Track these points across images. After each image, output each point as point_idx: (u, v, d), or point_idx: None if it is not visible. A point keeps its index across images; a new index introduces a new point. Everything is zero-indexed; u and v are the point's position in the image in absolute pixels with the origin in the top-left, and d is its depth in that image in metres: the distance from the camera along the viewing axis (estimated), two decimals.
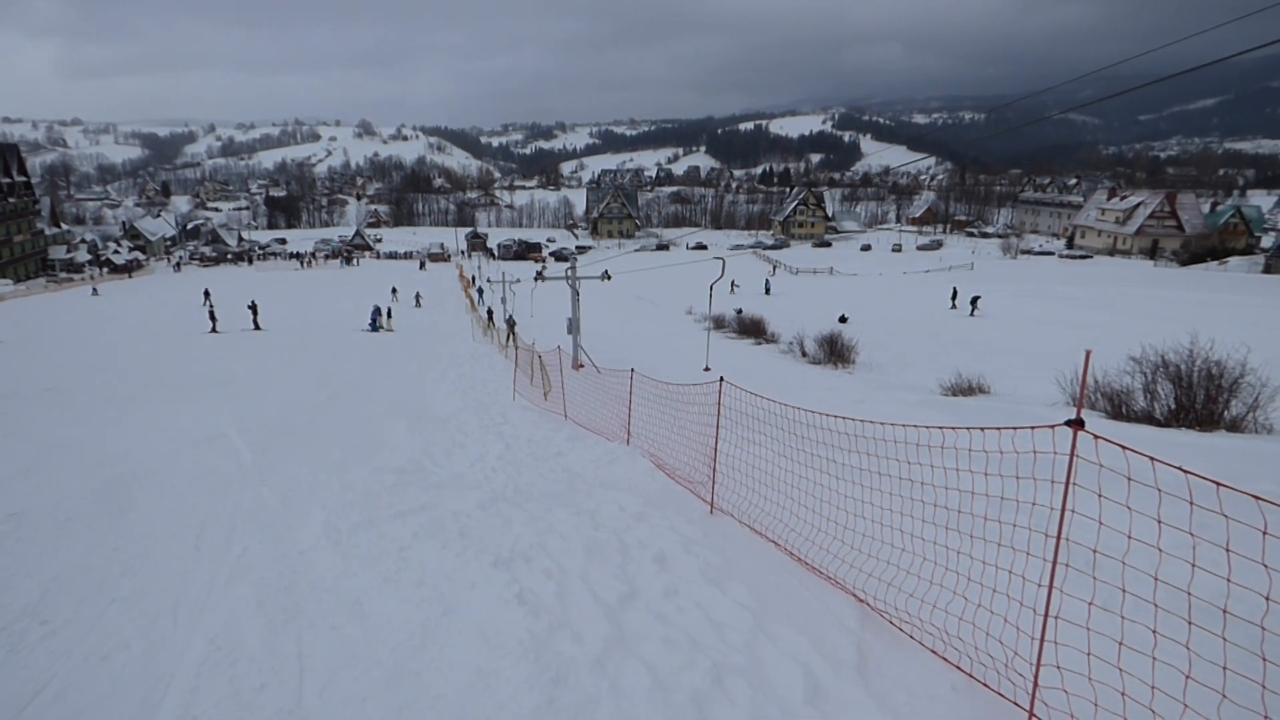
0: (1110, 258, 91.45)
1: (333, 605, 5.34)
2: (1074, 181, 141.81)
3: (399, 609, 5.21)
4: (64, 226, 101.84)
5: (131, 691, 4.29)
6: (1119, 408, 14.35)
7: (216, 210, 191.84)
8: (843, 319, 41.90)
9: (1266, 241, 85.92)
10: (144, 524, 7.33)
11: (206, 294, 48.73)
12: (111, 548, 6.62)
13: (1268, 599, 2.64)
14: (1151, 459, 2.89)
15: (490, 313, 37.77)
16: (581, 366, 13.43)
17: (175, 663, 4.58)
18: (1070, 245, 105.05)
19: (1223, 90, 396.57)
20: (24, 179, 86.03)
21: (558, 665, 4.34)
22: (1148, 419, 13.52)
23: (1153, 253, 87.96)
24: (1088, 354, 3.20)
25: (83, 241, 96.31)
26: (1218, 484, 2.65)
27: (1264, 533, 2.60)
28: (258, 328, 34.12)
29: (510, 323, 31.82)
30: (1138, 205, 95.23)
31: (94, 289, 63.05)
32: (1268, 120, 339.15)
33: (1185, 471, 2.71)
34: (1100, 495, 3.22)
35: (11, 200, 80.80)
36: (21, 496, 8.30)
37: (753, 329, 35.65)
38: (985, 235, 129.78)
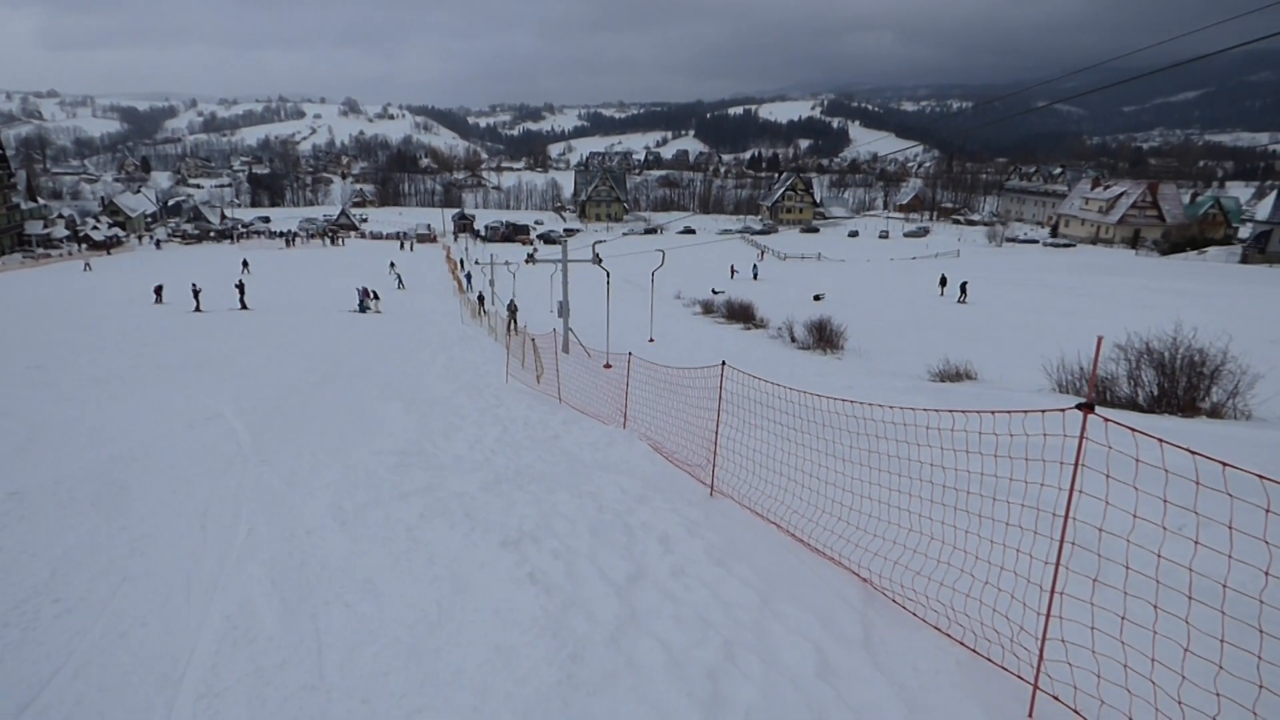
0: (1093, 246, 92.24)
1: (345, 584, 5.41)
2: (1059, 171, 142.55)
3: (412, 587, 5.29)
4: (41, 201, 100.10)
5: (152, 668, 4.35)
6: (1103, 394, 14.61)
7: (198, 187, 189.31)
8: (817, 297, 42.51)
9: (1244, 232, 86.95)
10: (147, 503, 7.36)
11: (245, 264, 54.41)
12: (118, 527, 6.65)
13: (1267, 573, 2.78)
14: (1160, 440, 3.02)
15: (481, 297, 37.10)
16: (609, 368, 13.31)
17: (193, 640, 4.65)
18: (1054, 234, 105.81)
19: (1204, 84, 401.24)
20: None
21: (574, 642, 4.45)
22: (1131, 405, 13.78)
23: (1134, 242, 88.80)
24: (1099, 340, 3.33)
25: (60, 217, 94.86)
26: (1224, 464, 2.77)
27: (1267, 510, 2.73)
28: (244, 307, 33.86)
29: (511, 309, 30.37)
30: (1120, 195, 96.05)
31: (86, 264, 62.91)
32: (1246, 113, 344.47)
33: (1193, 453, 2.84)
34: (1108, 476, 3.35)
35: None
36: (20, 476, 8.27)
37: (741, 314, 35.76)
38: (971, 223, 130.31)
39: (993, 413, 4.05)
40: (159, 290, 35.80)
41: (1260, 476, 2.66)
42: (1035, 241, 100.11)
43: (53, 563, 5.82)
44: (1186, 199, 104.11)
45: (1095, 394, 14.55)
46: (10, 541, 6.27)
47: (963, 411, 4.42)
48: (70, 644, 4.60)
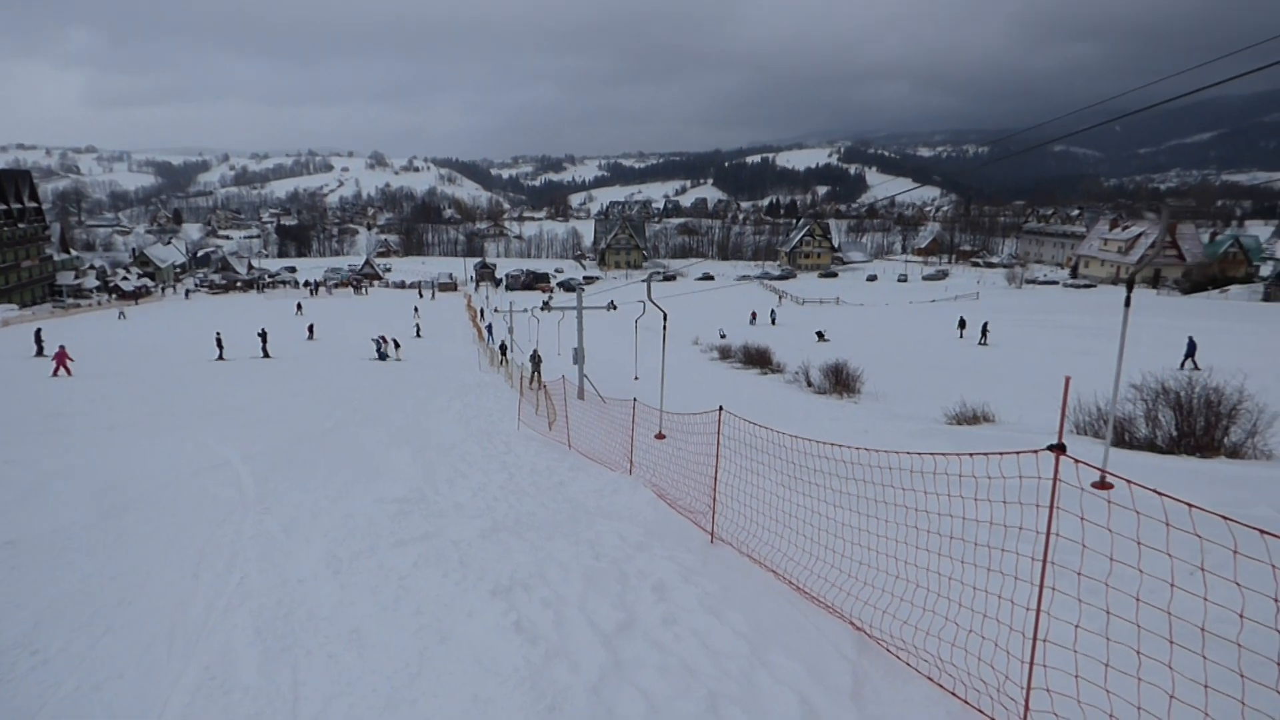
0: (1114, 287, 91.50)
1: (330, 633, 5.34)
2: (1076, 212, 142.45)
3: (396, 637, 5.21)
4: (73, 252, 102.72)
5: None
6: (1122, 435, 14.32)
7: (227, 238, 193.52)
8: (820, 334, 43.11)
9: (1265, 270, 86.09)
10: (143, 552, 7.35)
11: (299, 306, 62.86)
12: (109, 576, 6.63)
13: (1242, 616, 2.66)
14: (1129, 481, 2.91)
15: (504, 346, 36.83)
16: (662, 438, 11.76)
17: (168, 691, 4.57)
18: (1074, 275, 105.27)
19: (1218, 125, 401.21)
20: (34, 205, 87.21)
21: (553, 693, 4.33)
22: (1150, 446, 13.50)
23: (1155, 282, 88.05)
24: (1067, 380, 3.25)
25: (91, 268, 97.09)
26: (1189, 505, 2.67)
27: (1234, 552, 2.61)
28: (266, 355, 34.31)
29: (535, 359, 27.48)
30: (1139, 235, 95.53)
31: (121, 312, 65.00)
32: (1262, 153, 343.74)
33: (1159, 493, 2.73)
34: (1083, 519, 3.23)
35: (21, 226, 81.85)
36: (18, 524, 8.29)
37: (758, 359, 35.69)
38: (990, 265, 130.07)
39: (971, 455, 3.95)
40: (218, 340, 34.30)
41: (1224, 517, 2.55)
42: (1055, 283, 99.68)
43: (37, 614, 5.79)
44: (1206, 238, 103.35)
45: (1118, 436, 14.39)
46: None
47: (943, 454, 4.32)
48: (43, 697, 4.54)
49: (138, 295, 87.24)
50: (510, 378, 28.76)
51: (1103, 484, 6.19)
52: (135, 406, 18.78)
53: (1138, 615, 3.18)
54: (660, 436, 11.25)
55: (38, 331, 35.59)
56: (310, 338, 45.85)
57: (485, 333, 50.48)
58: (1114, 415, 14.86)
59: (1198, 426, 12.97)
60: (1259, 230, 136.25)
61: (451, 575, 6.41)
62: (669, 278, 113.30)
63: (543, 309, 34.78)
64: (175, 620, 5.64)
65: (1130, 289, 8.96)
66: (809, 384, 28.25)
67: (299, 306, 64.38)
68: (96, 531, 8.05)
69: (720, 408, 7.51)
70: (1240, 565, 2.76)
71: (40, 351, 33.44)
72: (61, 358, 26.86)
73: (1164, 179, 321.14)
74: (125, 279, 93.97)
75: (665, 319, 14.76)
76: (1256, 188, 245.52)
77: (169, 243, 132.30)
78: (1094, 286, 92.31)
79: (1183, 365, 27.74)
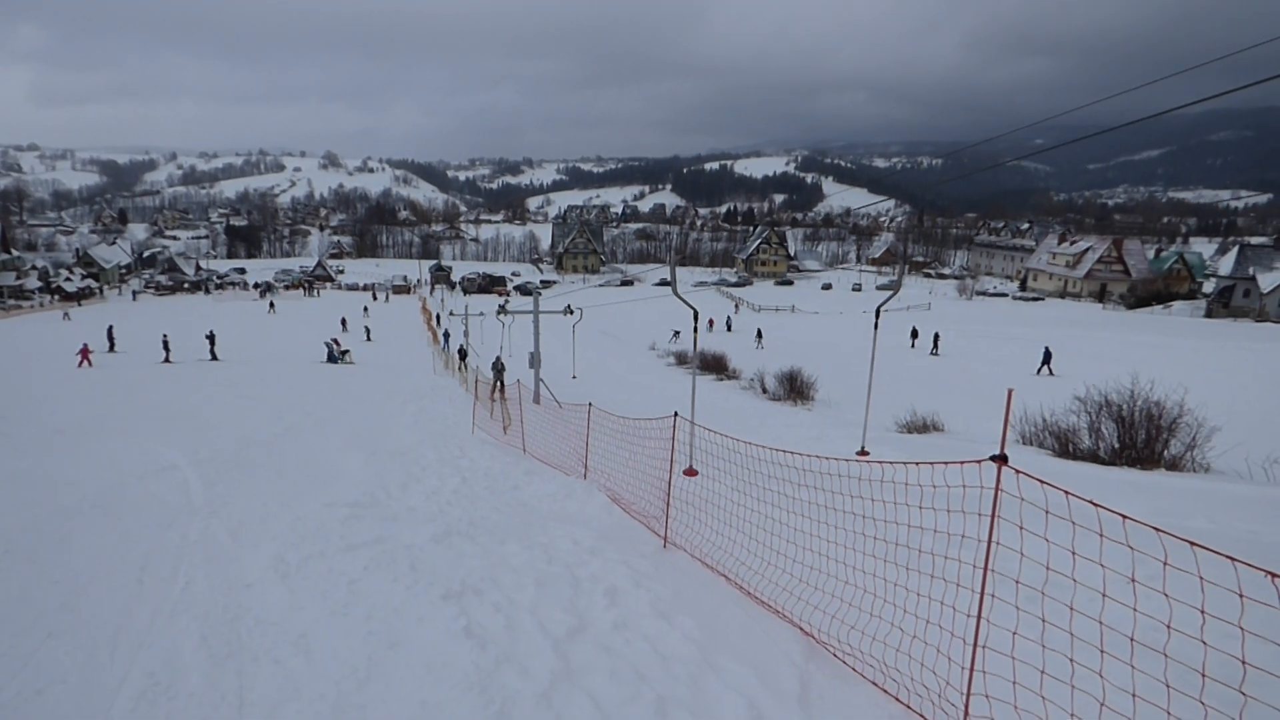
0: (1061, 300, 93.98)
1: (277, 639, 5.28)
2: (1026, 226, 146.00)
3: (345, 642, 5.18)
4: (14, 253, 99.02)
5: None
6: (1066, 446, 14.74)
7: (174, 239, 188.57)
8: (759, 334, 47.18)
9: (1208, 287, 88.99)
10: (86, 556, 7.17)
11: (272, 305, 67.71)
12: (52, 581, 6.47)
13: (1169, 627, 2.80)
14: (1066, 493, 3.05)
15: (463, 353, 36.16)
16: (693, 474, 8.92)
17: (112, 697, 4.49)
18: (1023, 287, 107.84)
19: (1166, 142, 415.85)
20: None
21: (502, 698, 4.35)
22: (1093, 457, 13.91)
23: (1101, 296, 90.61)
24: (1010, 393, 3.37)
25: (33, 268, 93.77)
26: (1124, 517, 2.81)
27: (1164, 564, 2.76)
28: (215, 358, 33.54)
29: (498, 368, 24.33)
30: (1086, 250, 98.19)
31: (65, 314, 63.01)
32: (1208, 171, 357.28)
33: (1096, 505, 2.87)
34: (1022, 528, 3.37)
35: None
36: None
37: (714, 365, 35.94)
38: (942, 276, 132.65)
39: (917, 464, 4.10)
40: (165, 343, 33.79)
41: (1156, 529, 2.69)
42: (1005, 295, 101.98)
43: None
44: (1151, 254, 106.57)
45: (1062, 447, 14.84)
46: None
47: (890, 463, 4.46)
48: None
49: (81, 296, 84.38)
50: (466, 382, 28.55)
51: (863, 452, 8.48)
52: (80, 409, 18.24)
53: (1072, 624, 3.33)
54: (691, 473, 9.47)
55: (109, 329, 39.40)
56: (344, 330, 48.66)
57: (441, 337, 49.82)
58: (1058, 426, 15.41)
59: (1139, 439, 13.38)
60: (1203, 247, 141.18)
61: (402, 580, 6.39)
62: (626, 282, 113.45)
63: (499, 313, 34.33)
64: (119, 625, 5.53)
65: (878, 315, 9.59)
66: (764, 390, 28.54)
67: (271, 305, 68.85)
68: (39, 535, 7.82)
69: (675, 413, 7.60)
70: (1170, 577, 2.91)
71: (112, 347, 37.43)
72: (85, 352, 30.53)
73: (1112, 195, 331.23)
74: (68, 280, 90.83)
75: (696, 316, 12.24)
76: (1202, 205, 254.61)
77: (114, 243, 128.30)
78: (1042, 299, 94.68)
79: (1039, 372, 30.44)
